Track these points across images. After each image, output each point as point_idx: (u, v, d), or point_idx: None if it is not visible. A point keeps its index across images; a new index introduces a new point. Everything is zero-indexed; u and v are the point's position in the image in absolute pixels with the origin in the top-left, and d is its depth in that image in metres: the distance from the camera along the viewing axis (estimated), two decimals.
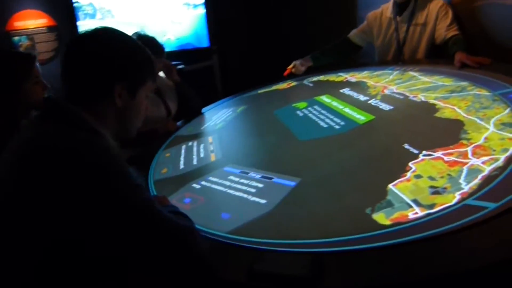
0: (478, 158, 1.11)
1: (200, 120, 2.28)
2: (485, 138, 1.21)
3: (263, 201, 1.21)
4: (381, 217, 0.98)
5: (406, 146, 1.28)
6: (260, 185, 1.30)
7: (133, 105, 1.03)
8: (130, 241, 0.85)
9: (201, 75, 4.20)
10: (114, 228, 0.83)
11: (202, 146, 1.81)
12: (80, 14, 4.17)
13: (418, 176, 1.10)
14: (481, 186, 1.00)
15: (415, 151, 1.24)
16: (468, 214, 0.91)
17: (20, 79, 1.46)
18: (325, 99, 2.00)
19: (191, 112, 2.44)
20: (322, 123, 1.68)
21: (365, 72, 2.31)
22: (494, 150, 1.14)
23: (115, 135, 1.06)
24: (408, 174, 1.12)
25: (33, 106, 1.47)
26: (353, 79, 2.24)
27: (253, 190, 1.28)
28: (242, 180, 1.36)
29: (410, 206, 0.99)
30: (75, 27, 3.83)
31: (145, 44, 2.18)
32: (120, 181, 0.86)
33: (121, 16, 4.21)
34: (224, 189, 1.34)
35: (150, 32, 2.70)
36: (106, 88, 0.98)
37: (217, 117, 2.23)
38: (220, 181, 1.41)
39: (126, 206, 0.84)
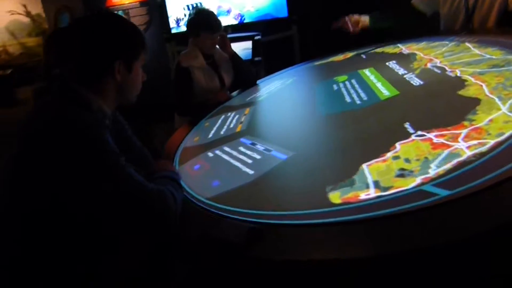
0: (467, 141, 1.02)
1: (251, 92, 2.36)
2: (490, 120, 1.09)
3: (251, 172, 1.26)
4: (335, 196, 0.97)
5: (406, 124, 1.21)
6: (258, 157, 1.36)
7: (131, 78, 1.17)
8: (99, 199, 0.99)
9: (280, 45, 4.24)
10: (87, 187, 0.98)
11: (236, 117, 1.90)
12: None
13: (396, 158, 1.06)
14: (448, 172, 0.92)
15: (411, 131, 1.17)
16: (416, 200, 0.86)
17: None
18: (366, 72, 1.93)
19: (245, 83, 2.54)
20: (347, 98, 1.64)
21: (423, 43, 2.14)
22: (489, 134, 1.02)
23: (118, 104, 1.21)
24: (388, 154, 1.08)
25: None
26: (406, 51, 2.10)
27: (249, 161, 1.34)
28: (246, 151, 1.43)
29: (368, 187, 0.97)
30: (163, 1, 4.12)
31: (202, 19, 2.33)
32: (92, 148, 0.99)
33: None
34: (228, 159, 1.42)
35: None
36: (106, 67, 1.12)
37: (266, 89, 2.29)
38: (230, 151, 1.49)
39: (94, 168, 0.98)
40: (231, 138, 1.64)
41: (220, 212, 1.08)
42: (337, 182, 1.03)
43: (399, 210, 0.85)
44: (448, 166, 0.95)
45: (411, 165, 1.00)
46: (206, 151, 1.57)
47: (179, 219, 1.06)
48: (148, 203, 1.00)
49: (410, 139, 1.13)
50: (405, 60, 1.93)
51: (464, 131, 1.07)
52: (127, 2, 4.33)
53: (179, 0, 4.08)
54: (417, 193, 0.89)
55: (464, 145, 1.01)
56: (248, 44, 3.94)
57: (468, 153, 0.97)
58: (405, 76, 1.69)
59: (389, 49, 2.28)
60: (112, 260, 1.09)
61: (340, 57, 2.49)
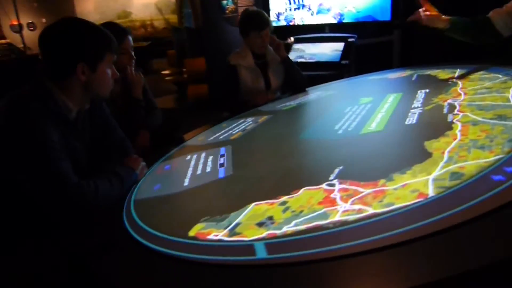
0: (353, 205, 0.90)
1: (292, 98, 2.31)
2: (404, 185, 0.93)
3: (186, 183, 1.30)
4: (195, 229, 0.96)
5: (337, 169, 1.10)
6: (208, 169, 1.37)
7: (95, 77, 1.30)
8: (29, 174, 1.17)
9: (377, 50, 3.98)
10: (21, 163, 1.17)
11: (249, 123, 1.91)
12: None
13: (283, 203, 0.98)
14: (294, 233, 0.84)
15: (331, 177, 1.06)
16: (238, 254, 0.81)
17: None
18: (391, 98, 1.75)
19: (294, 88, 2.50)
20: (340, 124, 1.53)
21: (479, 72, 1.82)
22: (381, 202, 0.88)
23: (89, 99, 1.36)
24: (283, 198, 1.01)
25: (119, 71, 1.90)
26: (453, 80, 1.82)
27: (198, 172, 1.37)
28: (209, 161, 1.45)
29: (226, 228, 0.93)
30: None
31: (250, 18, 2.39)
32: (28, 135, 1.16)
33: None
34: (192, 165, 1.46)
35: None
36: (68, 68, 1.27)
37: (303, 99, 2.23)
38: (203, 157, 1.52)
39: (28, 149, 1.16)
40: (219, 144, 1.67)
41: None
42: (214, 215, 1.01)
43: (210, 259, 0.81)
44: (303, 227, 0.85)
45: (283, 215, 0.93)
46: (189, 153, 1.63)
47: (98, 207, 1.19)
48: (61, 189, 1.15)
49: (319, 186, 1.03)
50: (438, 90, 1.69)
51: (366, 191, 0.94)
52: None
53: None
54: (246, 247, 0.83)
55: (345, 207, 0.89)
56: (340, 45, 3.80)
57: (337, 218, 0.86)
58: (412, 110, 1.49)
59: (444, 73, 2.00)
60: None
61: (395, 75, 2.27)
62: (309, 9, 4.12)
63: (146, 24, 9.14)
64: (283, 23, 4.31)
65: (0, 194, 1.22)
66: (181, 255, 0.87)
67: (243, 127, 1.86)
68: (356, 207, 0.88)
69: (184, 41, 5.71)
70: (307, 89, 2.47)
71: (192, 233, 0.95)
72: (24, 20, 7.84)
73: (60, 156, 1.20)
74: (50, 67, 1.28)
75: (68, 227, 1.12)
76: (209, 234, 0.92)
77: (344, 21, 4.03)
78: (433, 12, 1.93)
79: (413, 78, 2.08)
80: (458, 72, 1.95)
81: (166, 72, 5.71)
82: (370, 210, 0.85)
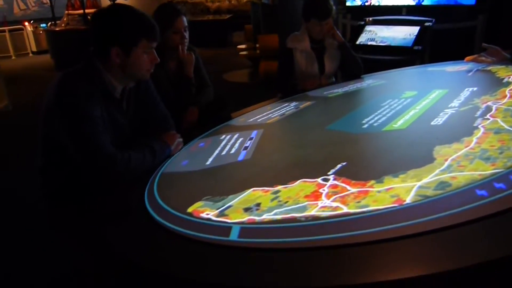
0: (335, 202, 0.94)
1: (342, 85, 2.31)
2: (389, 188, 0.94)
3: (209, 161, 1.41)
4: (195, 206, 1.07)
5: (340, 164, 1.14)
6: (233, 151, 1.47)
7: (130, 61, 1.44)
8: (71, 139, 1.35)
9: (458, 36, 3.70)
10: (66, 129, 1.36)
11: (291, 108, 1.96)
12: None
13: (276, 192, 1.05)
14: (270, 222, 0.91)
15: (330, 172, 1.10)
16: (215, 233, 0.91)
17: (163, 28, 2.03)
18: (435, 93, 1.69)
19: (349, 74, 2.47)
20: (369, 118, 1.53)
21: None
22: (359, 202, 0.91)
23: (132, 80, 1.52)
24: (277, 188, 1.07)
25: (171, 49, 2.05)
26: (509, 78, 1.69)
27: (224, 152, 1.48)
28: (237, 143, 1.55)
29: (218, 209, 1.03)
30: None
31: (313, 5, 2.41)
32: (73, 108, 1.35)
33: None
34: (222, 144, 1.57)
35: None
36: (105, 51, 1.42)
37: (352, 87, 2.22)
38: (235, 138, 1.62)
39: (74, 123, 1.34)
40: (255, 127, 1.75)
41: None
42: (215, 195, 1.11)
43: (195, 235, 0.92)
44: (280, 217, 0.92)
45: (270, 203, 1.00)
46: (226, 133, 1.73)
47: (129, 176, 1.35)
48: (94, 157, 1.33)
49: (315, 180, 1.07)
50: (486, 89, 1.59)
51: (352, 191, 0.97)
52: None
53: None
54: (224, 228, 0.93)
55: (324, 203, 0.94)
56: (415, 30, 3.60)
57: (312, 213, 0.91)
58: (446, 110, 1.45)
59: (506, 70, 1.85)
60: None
61: (455, 67, 2.14)
62: None
63: None
64: (358, 3, 4.17)
65: (53, 159, 1.43)
66: (175, 229, 0.98)
67: (284, 111, 1.91)
68: (335, 204, 0.92)
69: (261, 16, 5.78)
70: (362, 76, 2.44)
71: (190, 209, 1.06)
72: None
73: (98, 130, 1.36)
74: (95, 48, 1.44)
75: (96, 192, 1.29)
76: (203, 212, 1.03)
77: (423, 3, 3.80)
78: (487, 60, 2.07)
79: (470, 73, 1.96)
80: None
81: (242, 46, 5.83)
82: (345, 209, 0.89)
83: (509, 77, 1.72)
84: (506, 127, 1.17)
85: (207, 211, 1.03)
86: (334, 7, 2.42)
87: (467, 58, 2.15)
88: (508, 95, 1.46)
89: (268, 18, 5.39)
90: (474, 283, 0.71)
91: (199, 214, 1.02)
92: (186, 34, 2.03)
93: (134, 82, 1.53)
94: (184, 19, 2.06)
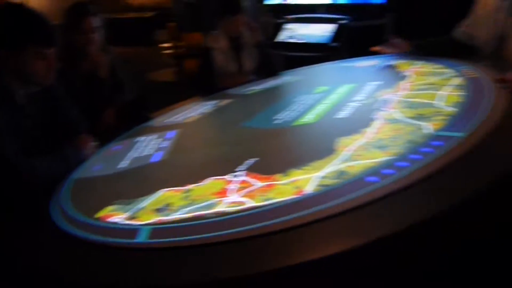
0: (241, 197, 0.97)
1: (259, 82, 2.34)
2: (293, 180, 1.00)
3: (123, 164, 1.38)
4: (107, 210, 1.05)
5: (248, 160, 1.17)
6: (146, 153, 1.45)
7: (22, 66, 1.34)
8: None
9: (370, 33, 3.93)
10: None
11: (209, 107, 1.96)
12: None
13: (187, 191, 1.06)
14: (176, 221, 0.93)
15: (241, 168, 1.13)
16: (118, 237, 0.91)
17: (69, 29, 1.93)
18: (343, 88, 1.78)
19: (267, 72, 2.53)
20: (281, 114, 1.58)
21: (434, 66, 1.83)
22: (263, 196, 0.95)
23: (28, 84, 1.42)
24: (189, 187, 1.09)
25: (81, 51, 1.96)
26: (409, 71, 1.84)
27: (138, 155, 1.45)
28: (154, 142, 1.54)
29: (126, 212, 1.02)
30: None
31: (225, 2, 2.41)
32: None
33: None
34: (137, 146, 1.55)
35: None
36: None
37: (269, 84, 2.27)
38: (151, 138, 1.60)
39: None
40: (172, 127, 1.73)
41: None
42: (126, 199, 1.09)
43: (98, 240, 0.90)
44: (188, 215, 0.94)
45: (180, 203, 1.01)
46: (142, 134, 1.71)
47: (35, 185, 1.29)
48: None
49: (224, 177, 1.10)
50: (389, 83, 1.71)
51: (259, 185, 1.01)
52: None
53: None
54: (130, 231, 0.93)
55: (232, 199, 0.97)
56: (331, 27, 3.77)
57: (220, 209, 0.94)
58: (351, 103, 1.54)
59: (404, 64, 2.00)
60: None
61: (363, 63, 2.28)
62: None
63: None
64: (277, 1, 4.28)
65: None
66: (79, 235, 0.96)
67: (203, 110, 1.92)
68: (243, 199, 0.96)
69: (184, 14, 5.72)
70: (280, 73, 2.51)
71: (99, 214, 1.04)
72: None
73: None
74: None
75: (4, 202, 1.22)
76: (111, 216, 1.01)
77: (339, 1, 3.99)
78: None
79: (376, 68, 2.10)
80: (419, 64, 1.96)
81: (165, 45, 5.72)
82: (251, 204, 0.93)
83: (407, 71, 1.87)
84: (399, 117, 1.28)
85: (116, 215, 1.01)
86: (248, 2, 2.46)
87: (373, 48, 2.27)
88: (406, 88, 1.58)
89: (192, 16, 5.35)
90: (365, 262, 0.78)
91: (107, 219, 1.01)
92: (97, 35, 1.96)
93: (36, 86, 1.45)
94: (94, 19, 1.99)
